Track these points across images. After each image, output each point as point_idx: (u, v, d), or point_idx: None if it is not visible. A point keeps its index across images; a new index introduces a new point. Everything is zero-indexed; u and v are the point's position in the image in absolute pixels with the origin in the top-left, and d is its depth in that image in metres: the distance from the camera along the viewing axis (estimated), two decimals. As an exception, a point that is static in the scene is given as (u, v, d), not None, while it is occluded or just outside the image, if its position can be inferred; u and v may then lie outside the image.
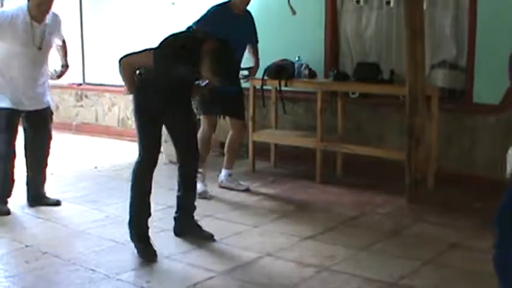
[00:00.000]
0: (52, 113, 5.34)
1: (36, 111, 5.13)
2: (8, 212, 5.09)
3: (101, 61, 8.75)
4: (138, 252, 4.20)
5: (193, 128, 4.56)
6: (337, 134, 6.44)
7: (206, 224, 4.62)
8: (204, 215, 4.91)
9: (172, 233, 4.58)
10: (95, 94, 9.04)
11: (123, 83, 4.30)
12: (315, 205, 5.49)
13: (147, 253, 4.16)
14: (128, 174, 6.55)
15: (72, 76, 9.08)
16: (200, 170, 5.48)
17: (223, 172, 5.94)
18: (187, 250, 4.34)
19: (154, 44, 4.10)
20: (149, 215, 4.30)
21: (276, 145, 6.80)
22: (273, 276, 3.93)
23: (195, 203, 4.59)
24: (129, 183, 4.27)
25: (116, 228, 4.81)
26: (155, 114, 4.21)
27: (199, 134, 5.63)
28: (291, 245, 4.46)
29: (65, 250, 4.37)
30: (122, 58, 4.13)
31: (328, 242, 4.53)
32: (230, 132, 5.92)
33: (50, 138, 5.31)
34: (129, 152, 7.75)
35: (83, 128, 9.10)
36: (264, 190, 5.92)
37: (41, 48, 4.99)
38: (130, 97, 4.36)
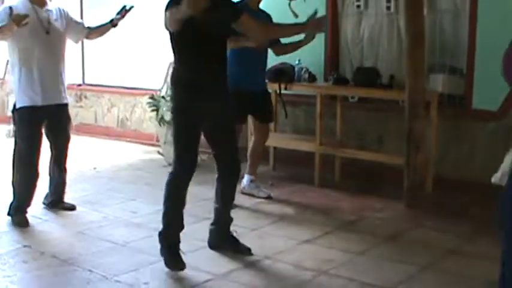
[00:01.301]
0: (69, 117, 5.27)
1: (56, 108, 5.01)
2: (26, 224, 4.93)
3: (101, 62, 8.76)
4: (166, 263, 4.05)
5: (233, 136, 4.32)
6: (336, 138, 6.45)
7: (204, 227, 4.61)
8: (202, 217, 4.91)
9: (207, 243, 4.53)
10: (94, 95, 9.04)
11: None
12: (313, 209, 5.49)
13: (175, 264, 4.02)
14: (127, 175, 6.60)
15: (72, 77, 9.12)
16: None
17: (246, 178, 5.83)
18: (185, 252, 4.34)
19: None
20: (182, 227, 4.14)
21: (275, 148, 6.80)
22: (271, 280, 3.93)
23: (231, 215, 4.44)
24: (163, 194, 4.08)
25: (114, 229, 4.82)
26: (194, 119, 4.02)
27: (250, 146, 5.76)
28: (289, 248, 4.47)
29: (63, 251, 4.37)
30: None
31: (327, 245, 4.54)
32: (254, 136, 5.84)
33: (69, 139, 5.24)
34: (128, 153, 7.77)
35: (82, 129, 9.10)
36: (262, 193, 5.91)
37: (48, 32, 4.90)
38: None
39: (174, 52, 4.06)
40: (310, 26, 4.44)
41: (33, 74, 4.87)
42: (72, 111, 9.08)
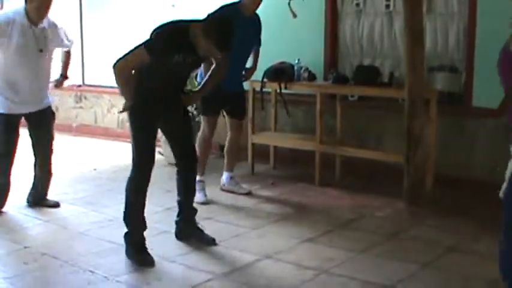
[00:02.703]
0: (53, 113, 5.33)
1: (38, 112, 5.11)
2: None
3: (100, 63, 8.75)
4: (134, 262, 4.13)
5: (190, 130, 4.54)
6: (336, 136, 6.45)
7: (206, 227, 4.62)
8: (204, 217, 4.91)
9: (171, 235, 4.59)
10: (94, 96, 9.04)
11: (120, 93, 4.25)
12: (314, 207, 5.50)
13: (144, 261, 4.11)
14: (127, 176, 6.57)
15: (72, 78, 9.11)
16: (200, 178, 5.45)
17: (225, 175, 5.92)
18: (186, 252, 4.35)
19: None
20: (145, 228, 4.27)
21: (275, 147, 6.81)
22: (272, 279, 3.93)
23: (195, 206, 4.59)
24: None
25: (115, 229, 4.81)
26: (150, 119, 4.17)
27: (198, 136, 5.64)
28: (290, 247, 4.47)
29: (63, 251, 4.37)
30: (114, 64, 4.03)
31: (327, 244, 4.54)
32: (228, 134, 5.89)
33: (52, 138, 5.30)
34: (128, 153, 7.76)
35: (82, 130, 9.10)
36: (263, 192, 5.92)
37: (42, 50, 4.97)
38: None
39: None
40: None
41: (15, 86, 4.95)
42: (72, 112, 9.23)
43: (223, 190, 5.87)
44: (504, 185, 2.88)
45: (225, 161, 5.94)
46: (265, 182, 6.18)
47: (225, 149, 5.95)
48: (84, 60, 9.13)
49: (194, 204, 4.60)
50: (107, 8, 8.75)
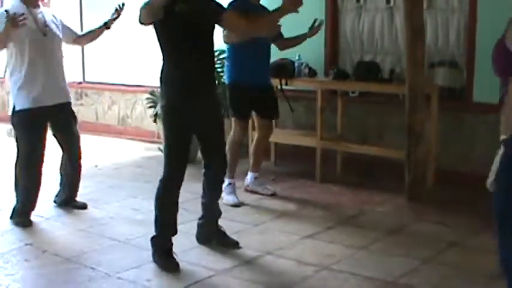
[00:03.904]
0: (74, 113, 5.22)
1: (57, 108, 4.97)
2: (30, 224, 4.91)
3: (101, 59, 8.75)
4: (160, 267, 4.03)
5: (221, 126, 4.28)
6: (337, 132, 6.45)
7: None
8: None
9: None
10: (94, 92, 9.04)
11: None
12: (314, 204, 5.50)
13: (169, 266, 4.01)
14: (128, 173, 6.60)
15: (72, 74, 9.11)
16: (231, 180, 5.43)
17: (250, 175, 5.80)
18: (188, 249, 4.35)
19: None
20: (175, 232, 4.14)
21: (276, 144, 6.81)
22: (273, 275, 3.94)
23: (220, 208, 4.45)
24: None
25: (116, 226, 4.83)
26: (183, 121, 4.00)
27: (228, 138, 5.42)
28: (291, 243, 4.47)
29: (65, 248, 4.38)
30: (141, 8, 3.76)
31: (328, 240, 4.54)
32: (257, 134, 5.78)
33: (79, 137, 5.22)
34: (130, 150, 7.78)
35: (83, 127, 9.07)
36: (267, 191, 5.90)
37: (45, 34, 4.87)
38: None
39: (160, 49, 4.02)
40: (287, 3, 4.12)
41: (31, 76, 4.82)
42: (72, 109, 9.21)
43: (247, 191, 5.75)
44: (490, 177, 2.88)
45: (251, 161, 5.82)
46: (267, 179, 6.18)
47: (252, 149, 5.84)
48: (85, 57, 9.12)
49: (225, 207, 4.47)
50: (107, 4, 8.73)
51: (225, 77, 5.73)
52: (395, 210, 5.26)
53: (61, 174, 5.32)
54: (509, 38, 2.71)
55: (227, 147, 5.03)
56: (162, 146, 6.66)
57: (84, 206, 5.33)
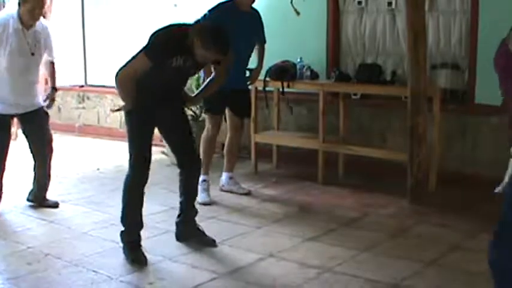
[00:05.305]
0: (47, 113, 5.29)
1: (29, 113, 5.09)
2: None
3: (103, 63, 8.75)
4: (129, 260, 4.15)
5: (190, 129, 4.45)
6: (339, 135, 6.44)
7: (209, 226, 4.62)
8: (207, 216, 4.92)
9: (174, 235, 4.57)
10: (96, 96, 9.05)
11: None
12: (317, 206, 5.49)
13: (137, 259, 4.13)
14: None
15: (74, 78, 9.12)
16: (204, 177, 5.46)
17: (224, 175, 5.88)
18: (190, 251, 4.35)
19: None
20: (141, 226, 4.29)
21: (278, 146, 6.80)
22: (276, 278, 3.92)
23: (197, 207, 4.57)
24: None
25: (118, 229, 4.79)
26: (147, 117, 4.14)
27: (203, 135, 5.59)
28: (293, 246, 4.47)
29: (67, 252, 4.38)
30: (117, 74, 4.02)
31: (331, 243, 4.53)
32: (228, 133, 5.83)
33: (50, 139, 5.28)
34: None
35: (85, 130, 9.11)
36: (266, 191, 5.92)
37: (34, 54, 4.98)
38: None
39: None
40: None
41: (7, 87, 4.94)
42: (74, 112, 9.23)
43: (222, 191, 5.83)
44: (505, 182, 2.87)
45: (225, 161, 5.90)
46: (268, 181, 6.18)
47: (225, 149, 5.90)
48: (87, 61, 9.13)
49: (197, 205, 4.59)
50: (109, 7, 8.75)
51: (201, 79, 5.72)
52: (398, 213, 5.25)
53: (34, 172, 5.37)
54: None
55: (201, 145, 5.27)
56: (165, 150, 6.70)
57: (55, 205, 5.38)
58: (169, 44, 3.97)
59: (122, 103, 4.21)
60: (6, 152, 5.11)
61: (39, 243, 4.55)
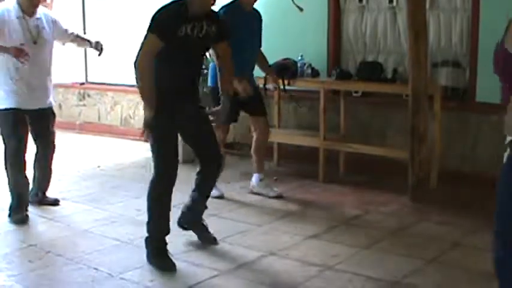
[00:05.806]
0: (54, 115, 5.31)
1: (39, 111, 5.09)
2: (27, 221, 4.97)
3: (104, 60, 8.74)
4: (155, 267, 4.03)
5: (211, 129, 4.33)
6: (340, 132, 6.44)
7: (211, 223, 4.61)
8: (209, 214, 4.89)
9: (176, 233, 4.54)
10: (97, 93, 9.04)
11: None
12: (318, 204, 5.49)
13: (165, 266, 4.02)
14: (131, 173, 6.59)
15: (75, 75, 9.12)
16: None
17: (255, 177, 5.75)
18: (191, 249, 4.35)
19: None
20: (168, 232, 4.16)
21: (279, 144, 6.80)
22: (277, 275, 3.93)
23: (206, 204, 4.50)
24: (145, 196, 4.15)
25: (119, 227, 4.83)
26: (170, 125, 4.04)
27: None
28: (294, 243, 4.47)
29: (68, 249, 4.38)
30: (135, 63, 3.91)
31: (332, 240, 4.53)
32: (255, 134, 5.74)
33: (54, 139, 5.28)
34: (132, 151, 7.77)
35: (85, 127, 9.11)
36: (273, 193, 5.89)
37: (36, 42, 4.96)
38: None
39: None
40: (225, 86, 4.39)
41: (17, 80, 4.92)
42: (75, 110, 9.24)
43: (252, 193, 5.72)
44: None
45: (254, 162, 5.77)
46: (269, 179, 6.17)
47: (252, 149, 5.78)
48: (87, 58, 9.13)
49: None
50: (110, 5, 8.75)
51: (209, 82, 5.68)
52: (399, 211, 5.25)
53: (34, 170, 5.36)
54: (509, 43, 2.68)
55: None
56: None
57: (55, 203, 5.39)
58: (170, 16, 3.93)
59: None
60: (26, 149, 5.07)
61: (40, 241, 4.56)
